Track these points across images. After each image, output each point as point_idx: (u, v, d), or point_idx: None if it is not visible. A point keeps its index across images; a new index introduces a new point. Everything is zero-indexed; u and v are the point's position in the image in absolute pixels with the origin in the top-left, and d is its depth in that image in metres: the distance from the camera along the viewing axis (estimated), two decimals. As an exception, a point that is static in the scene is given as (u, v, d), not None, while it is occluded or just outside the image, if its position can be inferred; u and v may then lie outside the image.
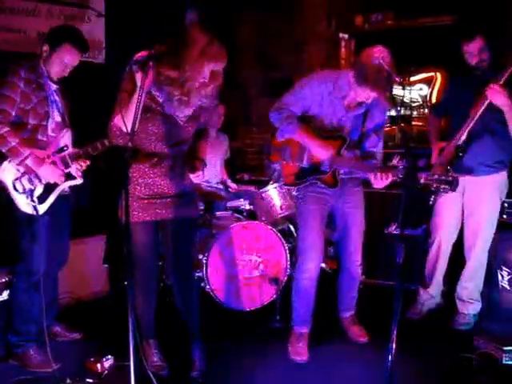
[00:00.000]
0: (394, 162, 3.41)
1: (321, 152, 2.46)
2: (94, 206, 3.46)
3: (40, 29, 3.33)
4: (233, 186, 4.07)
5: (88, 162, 2.55)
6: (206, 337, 2.52)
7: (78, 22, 3.59)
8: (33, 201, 2.34)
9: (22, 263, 2.44)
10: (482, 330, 2.84)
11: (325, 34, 4.39)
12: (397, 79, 2.20)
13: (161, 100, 2.15)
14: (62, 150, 2.45)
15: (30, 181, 2.37)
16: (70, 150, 2.49)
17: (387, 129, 4.26)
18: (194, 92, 2.06)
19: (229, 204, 3.75)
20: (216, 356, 2.55)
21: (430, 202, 2.96)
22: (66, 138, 2.51)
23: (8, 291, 2.54)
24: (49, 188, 2.44)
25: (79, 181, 2.56)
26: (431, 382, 2.45)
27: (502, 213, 3.06)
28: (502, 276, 3.00)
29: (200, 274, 3.06)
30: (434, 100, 4.25)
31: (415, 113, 4.24)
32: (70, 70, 2.53)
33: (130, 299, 1.76)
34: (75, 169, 2.51)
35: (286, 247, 3.26)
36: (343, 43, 4.36)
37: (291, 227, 3.82)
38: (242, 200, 3.71)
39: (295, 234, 3.75)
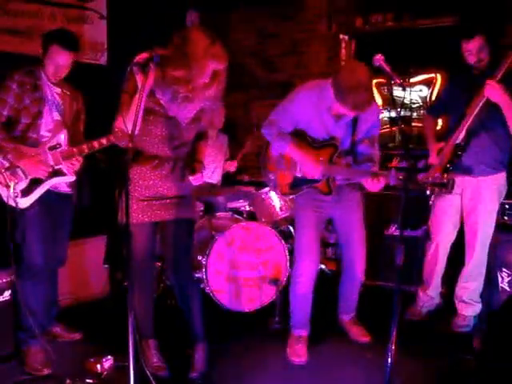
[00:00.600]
0: (394, 163, 3.42)
1: (310, 169, 2.49)
2: (95, 206, 3.47)
3: (43, 31, 3.34)
4: (231, 164, 4.02)
5: (81, 160, 2.58)
6: (206, 337, 2.52)
7: (81, 24, 3.62)
8: (14, 193, 2.40)
9: (19, 256, 2.48)
10: (481, 331, 2.84)
11: (325, 35, 4.39)
12: (397, 80, 2.20)
13: (164, 101, 2.16)
14: (54, 147, 2.51)
15: (14, 174, 2.43)
16: (63, 148, 2.54)
17: (387, 130, 4.27)
18: (198, 90, 2.09)
19: (229, 205, 3.76)
20: (215, 357, 2.55)
21: (430, 204, 2.97)
22: (60, 137, 2.56)
23: (9, 291, 2.56)
24: (34, 182, 2.49)
25: (71, 178, 2.60)
26: (430, 383, 2.45)
27: (502, 214, 3.06)
28: (502, 278, 3.01)
29: (200, 275, 3.07)
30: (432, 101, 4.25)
31: (415, 114, 4.23)
32: (68, 71, 2.59)
33: (130, 300, 1.77)
34: (67, 166, 2.56)
35: (286, 248, 3.27)
36: (343, 44, 4.36)
37: (291, 228, 3.83)
38: (241, 201, 3.72)
39: (295, 235, 3.76)
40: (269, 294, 3.21)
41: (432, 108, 3.32)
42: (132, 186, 2.23)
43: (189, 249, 2.44)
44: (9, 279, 2.57)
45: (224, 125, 4.07)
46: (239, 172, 4.30)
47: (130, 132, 1.88)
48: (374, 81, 3.88)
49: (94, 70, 3.67)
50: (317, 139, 2.54)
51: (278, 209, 3.44)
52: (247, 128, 4.88)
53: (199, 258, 3.10)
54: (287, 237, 3.76)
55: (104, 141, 2.46)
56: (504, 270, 3.00)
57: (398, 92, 4.19)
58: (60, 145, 2.53)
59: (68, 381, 2.29)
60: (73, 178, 2.62)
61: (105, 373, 2.39)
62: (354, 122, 2.50)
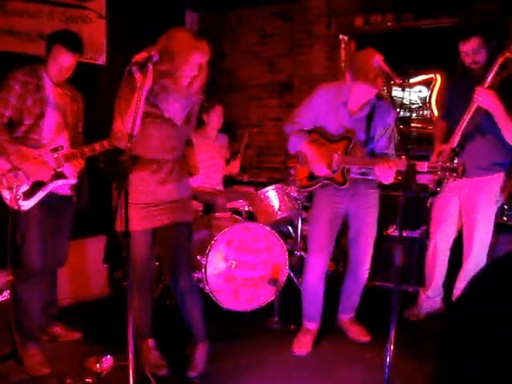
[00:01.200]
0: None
1: (317, 169, 2.62)
2: (94, 206, 3.48)
3: (42, 30, 3.36)
4: (234, 166, 4.02)
5: (83, 163, 2.58)
6: (207, 337, 2.52)
7: (79, 24, 3.62)
8: (16, 196, 2.39)
9: (18, 258, 2.46)
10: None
11: (325, 36, 4.40)
12: (397, 80, 2.22)
13: (157, 102, 2.18)
14: (56, 149, 2.51)
15: (16, 177, 2.42)
16: (65, 150, 2.53)
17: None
18: (183, 81, 2.12)
19: (228, 205, 3.76)
20: (214, 356, 2.55)
21: (428, 204, 2.97)
22: (62, 139, 2.54)
23: (8, 291, 2.57)
24: (36, 185, 2.48)
25: (72, 180, 2.60)
26: (429, 382, 2.45)
27: (501, 215, 3.06)
28: (501, 278, 3.01)
29: (199, 275, 3.07)
30: (433, 102, 4.25)
31: (414, 115, 4.24)
32: (71, 72, 2.57)
33: (129, 299, 1.78)
34: (68, 168, 2.55)
35: (285, 248, 3.27)
36: (343, 45, 4.36)
37: (290, 228, 3.83)
38: (241, 201, 3.73)
39: (294, 236, 3.77)
40: (268, 294, 3.21)
41: (441, 111, 3.29)
42: (132, 193, 2.22)
43: (188, 251, 2.44)
44: (7, 279, 2.54)
45: (224, 125, 4.08)
46: (241, 170, 4.29)
47: (128, 132, 1.88)
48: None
49: (92, 69, 3.67)
50: (333, 134, 2.65)
51: (277, 209, 3.44)
52: (247, 128, 4.89)
53: (198, 257, 3.10)
54: (286, 237, 3.77)
55: (105, 143, 2.48)
56: (503, 270, 3.00)
57: (397, 92, 4.20)
58: (62, 147, 2.52)
59: (68, 380, 2.29)
60: (74, 181, 2.61)
61: (104, 372, 2.39)
62: (369, 118, 2.60)
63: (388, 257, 3.32)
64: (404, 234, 3.49)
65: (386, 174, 2.43)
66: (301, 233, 3.60)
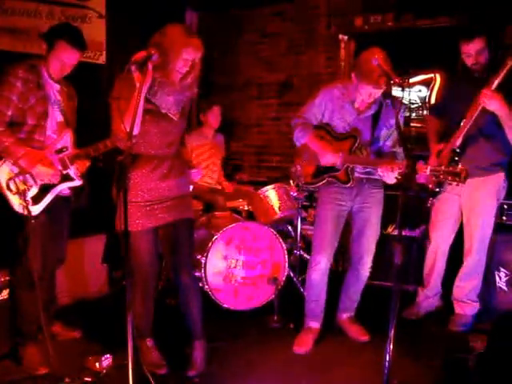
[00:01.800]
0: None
1: (325, 158, 2.62)
2: (94, 205, 3.47)
3: (41, 29, 3.33)
4: (228, 186, 4.07)
5: (88, 164, 2.54)
6: (204, 335, 2.52)
7: (79, 23, 3.61)
8: (26, 201, 2.31)
9: (19, 262, 2.42)
10: (479, 331, 2.85)
11: (324, 36, 4.40)
12: (396, 80, 2.22)
13: (152, 98, 2.18)
14: (61, 151, 2.44)
15: (25, 181, 2.35)
16: (70, 151, 2.48)
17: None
18: (175, 74, 2.13)
19: (228, 204, 3.76)
20: (214, 356, 2.55)
21: (428, 204, 2.97)
22: (66, 139, 2.49)
23: (7, 290, 2.55)
24: (45, 189, 2.42)
25: (78, 182, 2.55)
26: (428, 382, 2.46)
27: (501, 214, 3.07)
28: (500, 277, 3.02)
29: (199, 274, 3.07)
30: (432, 102, 4.25)
31: (414, 114, 4.25)
32: (71, 69, 2.51)
33: (129, 298, 1.78)
34: (74, 170, 2.50)
35: (285, 248, 3.28)
36: (343, 44, 4.36)
37: (289, 228, 3.84)
38: (240, 200, 3.73)
39: (293, 235, 3.77)
40: (267, 293, 3.21)
41: (433, 108, 3.31)
42: (134, 191, 2.23)
43: (190, 248, 2.45)
44: (7, 278, 2.54)
45: (223, 124, 4.08)
46: (238, 169, 4.31)
47: (128, 130, 1.88)
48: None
49: (92, 69, 3.67)
50: (339, 131, 2.67)
51: (276, 208, 3.45)
52: (246, 127, 4.90)
53: (198, 256, 3.10)
54: (286, 236, 3.77)
55: (108, 143, 2.43)
56: (501, 269, 3.01)
57: (396, 92, 4.20)
58: (66, 148, 2.45)
59: (67, 379, 2.28)
60: (80, 183, 2.55)
61: (103, 371, 2.39)
62: (376, 117, 2.62)
63: (387, 256, 3.33)
64: (404, 233, 3.50)
65: (389, 176, 2.45)
66: (300, 232, 3.61)
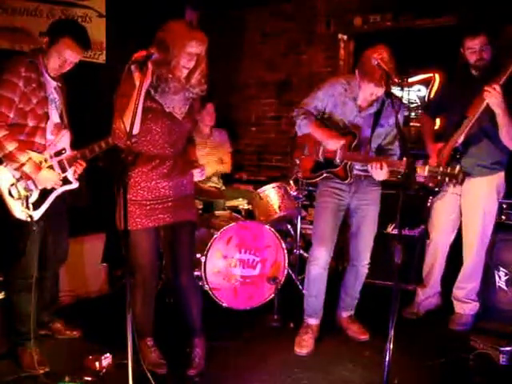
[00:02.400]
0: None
1: (330, 142, 2.60)
2: (94, 204, 3.48)
3: (41, 29, 3.34)
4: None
5: (84, 165, 2.51)
6: (204, 334, 2.52)
7: (79, 23, 3.61)
8: (27, 207, 2.28)
9: (17, 266, 2.38)
10: (479, 330, 2.86)
11: (324, 35, 4.40)
12: (396, 79, 2.23)
13: (157, 96, 2.18)
14: (59, 153, 2.41)
15: (26, 187, 2.31)
16: (68, 153, 2.44)
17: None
18: (179, 70, 2.12)
19: (227, 203, 3.76)
20: (214, 354, 2.56)
21: (428, 203, 2.98)
22: (64, 140, 2.45)
23: (3, 291, 2.52)
24: (44, 193, 2.39)
25: (75, 185, 2.52)
26: (427, 381, 2.46)
27: (500, 213, 3.07)
28: (500, 276, 3.02)
29: (198, 273, 3.07)
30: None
31: (413, 114, 4.25)
32: (70, 68, 2.45)
33: (129, 298, 1.78)
34: (72, 173, 2.47)
35: (284, 247, 3.28)
36: (342, 44, 4.37)
37: (289, 227, 3.84)
38: (240, 199, 3.73)
39: (293, 234, 3.77)
40: (267, 292, 3.22)
41: (429, 107, 3.32)
42: (134, 189, 2.22)
43: (190, 249, 2.44)
44: (2, 279, 2.51)
45: (223, 123, 4.08)
46: (238, 168, 4.31)
47: (128, 130, 1.88)
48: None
49: (93, 68, 3.67)
50: (339, 127, 2.67)
51: (276, 207, 3.45)
52: (246, 127, 4.90)
53: (198, 256, 3.10)
54: (286, 235, 3.77)
55: (103, 144, 2.40)
56: (501, 268, 3.01)
57: (396, 91, 4.20)
58: (65, 150, 2.41)
59: (67, 378, 2.28)
60: (76, 185, 2.52)
61: (103, 370, 2.39)
62: (377, 115, 2.62)
63: (387, 255, 3.33)
64: (403, 232, 3.50)
65: (377, 173, 2.47)
66: (300, 231, 3.61)
